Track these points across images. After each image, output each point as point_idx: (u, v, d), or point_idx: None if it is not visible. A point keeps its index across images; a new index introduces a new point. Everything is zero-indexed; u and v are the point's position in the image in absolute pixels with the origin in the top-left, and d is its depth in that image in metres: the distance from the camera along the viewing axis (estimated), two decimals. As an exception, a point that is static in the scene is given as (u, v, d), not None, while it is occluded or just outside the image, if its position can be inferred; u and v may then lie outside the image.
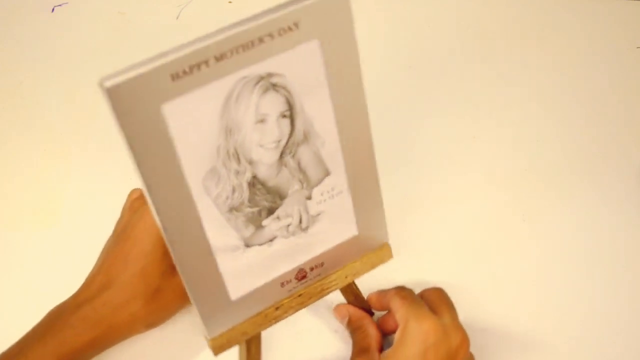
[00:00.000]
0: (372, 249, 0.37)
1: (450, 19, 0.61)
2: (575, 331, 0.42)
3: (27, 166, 0.50)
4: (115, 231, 0.41)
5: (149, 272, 0.37)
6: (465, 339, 0.35)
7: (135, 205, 0.40)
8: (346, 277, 0.37)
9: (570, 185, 0.49)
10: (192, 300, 0.31)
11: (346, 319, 0.40)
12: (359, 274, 0.38)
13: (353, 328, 0.40)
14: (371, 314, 0.41)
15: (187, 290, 0.31)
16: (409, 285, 0.43)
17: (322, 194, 0.33)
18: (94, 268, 0.40)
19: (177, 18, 0.61)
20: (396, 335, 0.36)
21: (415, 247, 0.46)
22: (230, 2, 0.62)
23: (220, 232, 0.30)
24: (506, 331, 0.42)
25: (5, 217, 0.48)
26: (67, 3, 0.62)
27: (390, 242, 0.46)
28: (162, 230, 0.29)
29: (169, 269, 0.37)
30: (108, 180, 0.49)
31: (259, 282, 0.33)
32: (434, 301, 0.37)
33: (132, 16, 0.61)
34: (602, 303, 0.43)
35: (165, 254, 0.37)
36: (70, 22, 0.61)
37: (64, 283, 0.44)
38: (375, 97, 0.55)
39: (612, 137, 0.52)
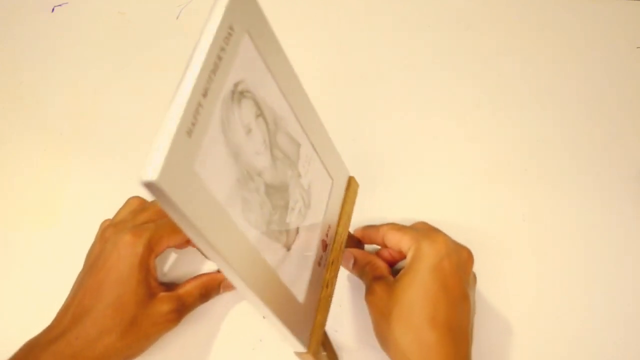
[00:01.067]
0: (345, 187, 0.41)
1: (450, 19, 0.61)
2: (575, 331, 0.42)
3: (27, 166, 0.50)
4: (87, 262, 0.40)
5: (124, 301, 0.36)
6: (471, 254, 0.38)
7: (106, 234, 0.39)
8: (346, 224, 0.40)
9: (570, 185, 0.49)
10: (281, 326, 0.31)
11: (352, 261, 0.41)
12: (350, 214, 0.41)
13: (361, 266, 0.41)
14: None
15: (276, 319, 0.31)
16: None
17: (303, 166, 0.34)
18: (66, 300, 0.38)
19: (177, 18, 0.61)
20: (409, 256, 0.37)
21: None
22: (230, 2, 0.62)
23: (270, 250, 0.31)
24: (505, 331, 0.42)
25: (5, 217, 0.48)
26: (67, 3, 0.62)
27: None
28: (240, 285, 0.28)
29: (145, 297, 0.37)
30: (108, 180, 0.50)
31: (307, 273, 0.35)
32: (428, 228, 0.40)
33: (132, 16, 0.61)
34: (602, 303, 0.44)
35: (140, 282, 0.37)
36: (70, 22, 0.61)
37: (64, 283, 0.44)
38: (375, 97, 0.55)
39: (612, 137, 0.52)
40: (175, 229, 0.39)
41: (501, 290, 0.44)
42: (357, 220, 0.47)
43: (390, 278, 0.38)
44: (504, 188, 0.49)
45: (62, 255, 0.46)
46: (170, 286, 0.40)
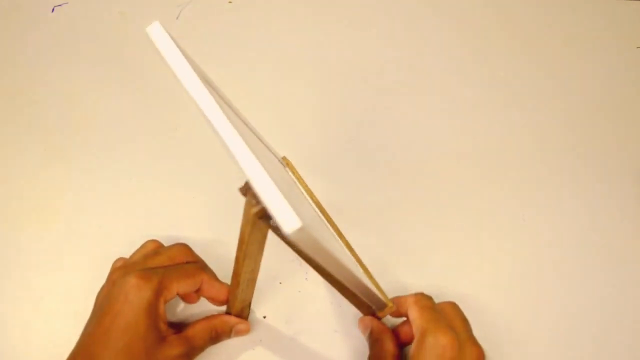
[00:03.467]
0: (285, 166, 0.44)
1: (451, 19, 0.61)
2: (575, 330, 0.42)
3: (27, 166, 0.50)
4: (95, 305, 0.38)
5: (133, 347, 0.34)
6: (480, 354, 0.35)
7: (114, 276, 0.37)
8: (314, 196, 0.43)
9: (570, 185, 0.50)
10: (375, 293, 0.35)
11: (368, 331, 0.40)
12: (308, 186, 0.44)
13: (372, 340, 0.40)
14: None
15: (373, 289, 0.35)
16: (416, 286, 0.43)
17: (272, 160, 0.37)
18: (74, 347, 0.36)
19: (177, 18, 0.61)
20: (412, 348, 0.36)
21: (416, 248, 0.46)
22: (230, 2, 0.62)
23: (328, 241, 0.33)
24: (505, 331, 0.42)
25: (5, 217, 0.48)
26: (67, 3, 0.62)
27: (393, 244, 0.46)
28: (356, 281, 0.31)
29: (154, 343, 0.35)
30: (108, 180, 0.49)
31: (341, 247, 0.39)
32: (449, 314, 0.37)
33: (132, 16, 0.61)
34: (603, 303, 0.44)
35: (149, 327, 0.35)
36: (70, 22, 0.61)
37: (64, 283, 0.44)
38: (375, 97, 0.55)
39: (612, 137, 0.52)
40: (185, 274, 0.38)
41: (501, 290, 0.44)
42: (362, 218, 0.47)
43: None
44: (504, 188, 0.49)
45: (62, 255, 0.46)
46: (180, 327, 0.39)
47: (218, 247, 0.45)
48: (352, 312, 0.43)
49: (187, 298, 0.41)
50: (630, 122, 0.53)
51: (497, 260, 0.46)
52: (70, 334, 0.38)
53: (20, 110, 0.54)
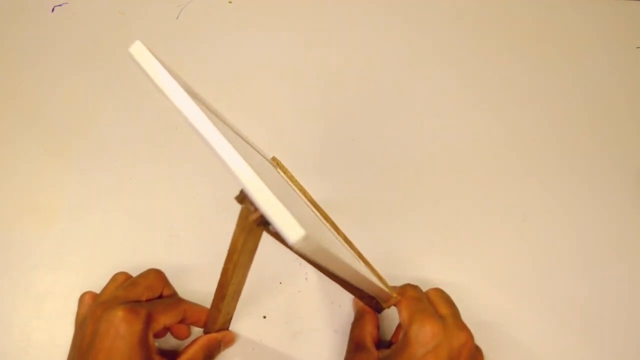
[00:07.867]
0: (276, 167, 0.44)
1: (451, 19, 0.61)
2: (574, 331, 0.42)
3: (27, 166, 0.50)
4: (79, 344, 0.36)
5: None
6: (468, 338, 0.35)
7: (97, 313, 0.35)
8: (307, 193, 0.43)
9: (570, 185, 0.50)
10: (378, 285, 0.36)
11: (354, 315, 0.42)
12: (300, 185, 0.43)
13: (355, 319, 0.41)
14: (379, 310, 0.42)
15: (376, 282, 0.35)
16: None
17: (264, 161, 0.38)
18: None
19: (177, 18, 0.61)
20: (400, 338, 0.36)
21: (416, 247, 0.46)
22: (230, 2, 0.62)
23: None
24: (505, 331, 0.42)
25: (5, 217, 0.48)
26: (67, 3, 0.62)
27: (391, 242, 0.46)
28: (362, 278, 0.31)
29: None
30: (108, 180, 0.49)
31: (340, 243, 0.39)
32: (436, 301, 0.38)
33: (132, 16, 0.61)
34: (602, 303, 0.44)
35: (145, 359, 0.34)
36: (70, 22, 0.61)
37: (64, 283, 0.44)
38: (375, 97, 0.55)
39: (612, 137, 0.52)
40: (169, 307, 0.38)
41: (500, 291, 0.44)
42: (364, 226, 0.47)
43: (373, 352, 0.37)
44: (504, 188, 0.49)
45: (62, 255, 0.46)
46: (170, 355, 0.38)
47: (216, 247, 0.45)
48: (352, 312, 0.43)
49: (178, 334, 0.41)
50: (630, 122, 0.53)
51: (497, 260, 0.46)
52: (70, 334, 0.38)
53: (20, 111, 0.54)
